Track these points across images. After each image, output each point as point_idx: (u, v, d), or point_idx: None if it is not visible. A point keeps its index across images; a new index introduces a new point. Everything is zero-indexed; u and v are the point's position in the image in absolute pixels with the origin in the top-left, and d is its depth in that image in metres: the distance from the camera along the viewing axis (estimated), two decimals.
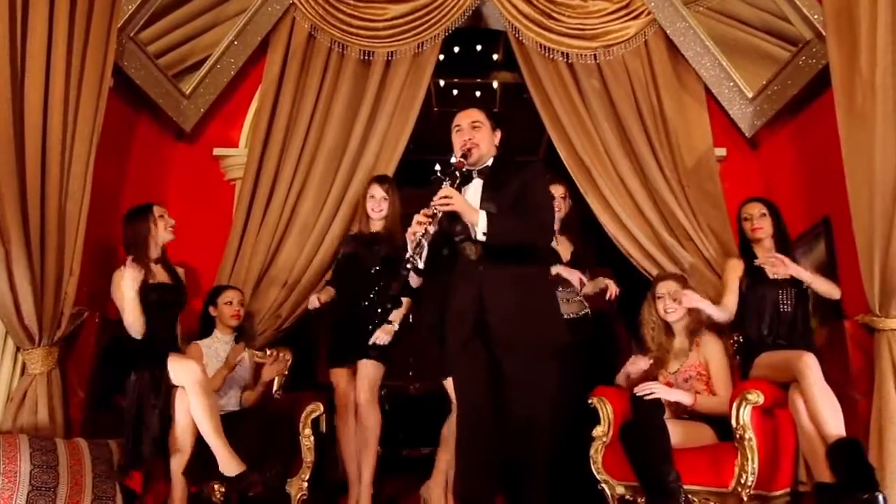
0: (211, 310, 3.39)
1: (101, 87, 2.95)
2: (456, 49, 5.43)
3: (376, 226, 3.47)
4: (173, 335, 3.16)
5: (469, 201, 2.51)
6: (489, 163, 2.64)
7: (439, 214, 2.38)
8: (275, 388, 3.50)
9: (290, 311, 3.68)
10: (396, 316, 3.36)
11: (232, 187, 4.01)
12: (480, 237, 2.41)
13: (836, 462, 2.49)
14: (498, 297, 2.48)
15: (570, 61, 3.87)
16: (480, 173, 2.62)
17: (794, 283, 3.06)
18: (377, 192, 3.44)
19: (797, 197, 3.62)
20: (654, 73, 3.86)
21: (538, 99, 3.92)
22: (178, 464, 2.77)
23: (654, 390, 2.91)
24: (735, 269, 3.21)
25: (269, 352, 3.51)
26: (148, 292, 2.97)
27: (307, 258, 3.70)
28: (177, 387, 2.79)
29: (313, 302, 3.44)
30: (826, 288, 3.03)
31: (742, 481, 2.62)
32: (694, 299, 3.01)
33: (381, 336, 3.29)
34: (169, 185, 3.95)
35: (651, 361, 3.13)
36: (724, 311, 3.12)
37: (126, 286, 2.90)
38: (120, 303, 2.95)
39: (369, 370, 3.30)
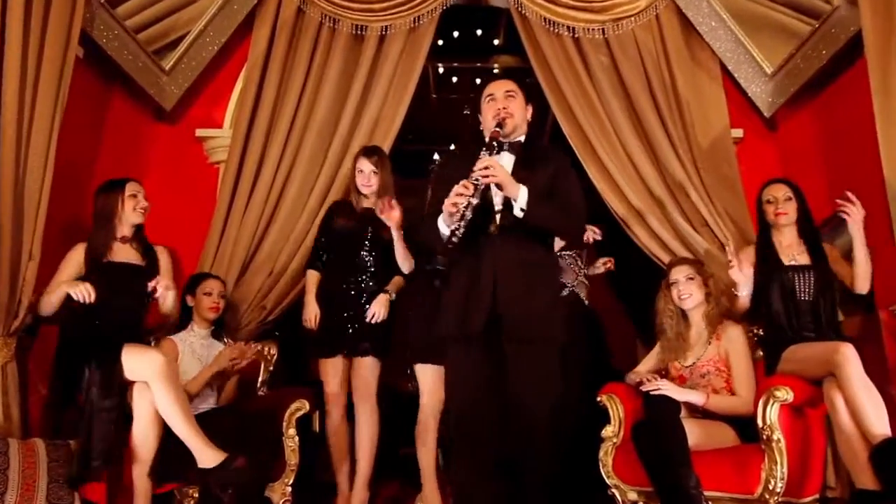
0: (188, 299, 3.13)
1: (67, 54, 2.70)
2: (455, 33, 5.18)
3: (367, 201, 3.21)
4: (135, 325, 2.85)
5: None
6: (521, 139, 2.45)
7: (481, 186, 2.20)
8: (259, 384, 3.25)
9: (275, 302, 3.43)
10: (393, 287, 3.11)
11: (215, 170, 3.77)
12: (518, 213, 2.25)
13: (883, 465, 2.23)
14: (509, 281, 2.29)
15: (576, 36, 3.61)
16: (512, 147, 2.42)
17: (814, 268, 2.81)
18: (365, 165, 3.17)
19: (820, 179, 3.37)
20: (667, 49, 3.60)
21: (542, 77, 3.66)
22: (140, 471, 2.51)
23: (661, 388, 2.67)
24: (748, 257, 2.96)
25: (226, 341, 3.18)
26: (101, 271, 2.71)
27: (295, 245, 3.45)
28: (133, 383, 2.53)
29: (309, 318, 3.17)
30: (865, 271, 2.77)
31: (770, 487, 2.36)
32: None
33: (378, 310, 3.03)
34: (149, 167, 3.70)
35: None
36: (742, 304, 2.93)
37: (64, 262, 2.69)
38: None
39: (366, 369, 3.07)
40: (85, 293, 2.59)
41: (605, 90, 3.56)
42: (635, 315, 4.72)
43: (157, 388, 2.51)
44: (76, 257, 2.74)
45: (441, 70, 5.84)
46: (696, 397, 2.70)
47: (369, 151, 3.22)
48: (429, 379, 3.05)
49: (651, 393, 2.66)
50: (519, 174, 2.31)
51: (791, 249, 2.88)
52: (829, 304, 2.80)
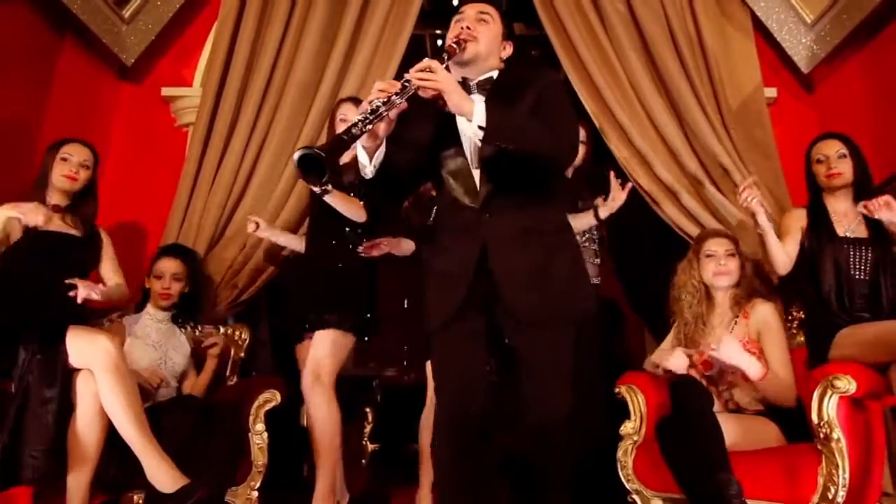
0: (146, 281, 2.74)
1: None
2: (455, 0, 4.79)
3: (348, 153, 2.79)
4: (71, 303, 2.39)
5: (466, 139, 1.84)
6: (493, 75, 1.93)
7: (413, 89, 1.64)
8: (227, 373, 2.86)
9: (248, 281, 3.04)
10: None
11: (184, 134, 3.40)
12: (476, 133, 1.69)
13: None
14: (510, 258, 1.81)
15: None
16: (481, 87, 1.89)
17: (873, 242, 2.40)
18: (350, 113, 2.72)
19: (867, 142, 2.91)
20: None
21: (552, 32, 3.25)
22: (78, 478, 2.09)
23: (712, 351, 2.27)
24: (799, 219, 2.56)
25: (193, 326, 2.81)
26: (34, 239, 2.31)
27: (270, 216, 3.03)
28: (78, 370, 2.13)
29: (250, 226, 2.78)
30: None
31: (829, 496, 1.94)
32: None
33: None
34: (111, 130, 3.35)
35: (691, 356, 2.44)
36: (781, 257, 2.52)
37: None
38: None
39: (323, 343, 2.57)
40: None
41: (623, 43, 3.15)
42: (640, 303, 4.32)
43: (104, 381, 2.11)
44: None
45: (440, 41, 5.47)
46: (754, 367, 2.25)
47: (356, 99, 2.81)
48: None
49: (711, 354, 2.26)
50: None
51: (847, 219, 2.48)
52: (890, 283, 2.38)
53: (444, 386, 1.88)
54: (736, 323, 2.47)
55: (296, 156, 1.50)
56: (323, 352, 2.54)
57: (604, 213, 2.77)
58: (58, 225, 2.46)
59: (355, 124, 1.55)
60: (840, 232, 2.46)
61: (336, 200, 2.57)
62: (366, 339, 2.72)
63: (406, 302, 4.76)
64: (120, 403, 2.12)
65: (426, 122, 1.87)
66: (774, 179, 3.05)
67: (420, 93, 1.66)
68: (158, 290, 2.66)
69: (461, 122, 1.75)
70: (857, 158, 2.48)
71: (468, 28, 1.86)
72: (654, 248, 3.57)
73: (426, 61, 1.66)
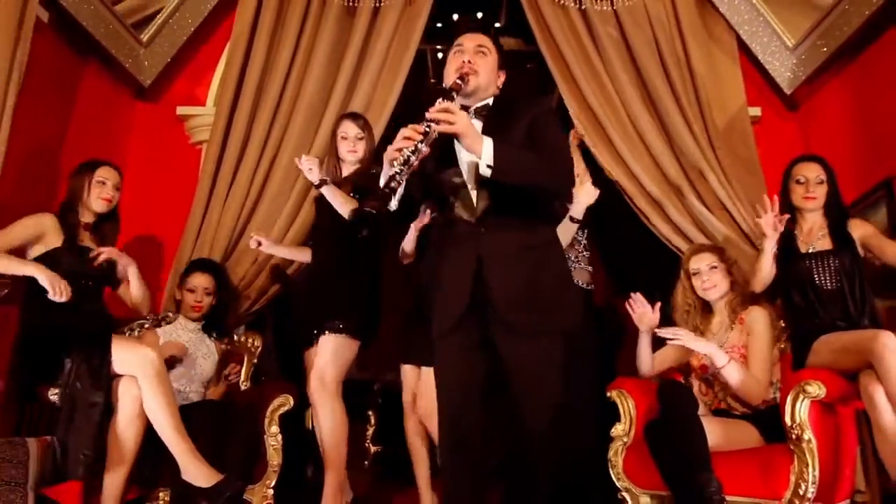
0: (177, 292, 2.93)
1: (24, 13, 2.46)
2: (455, 16, 4.95)
3: (348, 169, 2.94)
4: (106, 315, 2.62)
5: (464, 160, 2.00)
6: (489, 101, 2.11)
7: (434, 133, 1.82)
8: (241, 378, 3.02)
9: (260, 292, 3.21)
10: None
11: (198, 151, 3.56)
12: (485, 170, 1.87)
13: None
14: (502, 271, 1.96)
15: (583, 7, 3.39)
16: (478, 113, 2.07)
17: (836, 252, 2.57)
18: (350, 129, 2.90)
19: (846, 159, 3.12)
20: (680, 21, 3.37)
21: (547, 53, 3.42)
22: (115, 474, 2.28)
23: (679, 337, 2.45)
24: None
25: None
26: (75, 254, 2.50)
27: (281, 230, 3.21)
28: (120, 376, 2.31)
29: (252, 244, 2.96)
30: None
31: (800, 492, 2.12)
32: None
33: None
34: (127, 147, 3.51)
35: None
36: (767, 279, 2.71)
37: (20, 220, 2.48)
38: None
39: (327, 349, 2.67)
40: (62, 292, 2.39)
41: (615, 65, 3.33)
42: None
43: (148, 387, 2.32)
44: (32, 223, 2.51)
45: (440, 55, 5.63)
46: (718, 356, 2.44)
47: (355, 115, 2.97)
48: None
49: (669, 342, 2.45)
50: None
51: (811, 235, 2.65)
52: (857, 289, 2.54)
53: (443, 396, 2.02)
54: (732, 328, 2.63)
55: (352, 217, 1.67)
56: (327, 357, 2.66)
57: (576, 212, 2.87)
58: (88, 241, 2.64)
59: (393, 177, 1.74)
60: (803, 249, 2.62)
61: (331, 193, 2.72)
62: (369, 343, 2.83)
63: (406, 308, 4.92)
64: (161, 407, 2.32)
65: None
66: (758, 195, 3.20)
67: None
68: (191, 304, 2.85)
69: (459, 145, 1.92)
70: (832, 183, 2.65)
71: (469, 62, 2.03)
72: (646, 257, 3.72)
73: (444, 104, 1.82)
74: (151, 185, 3.48)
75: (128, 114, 3.52)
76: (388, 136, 3.29)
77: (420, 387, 2.84)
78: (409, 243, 2.96)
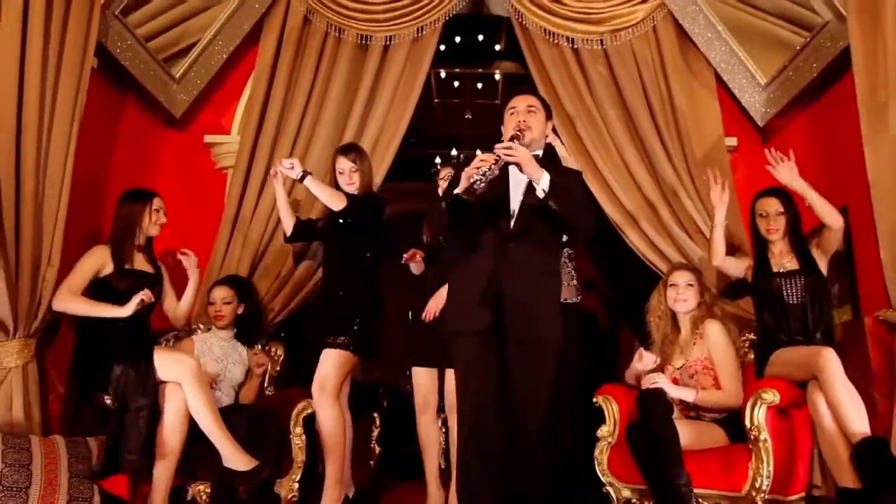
0: (208, 307, 3.27)
1: (83, 65, 2.81)
2: (457, 39, 5.26)
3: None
4: (148, 328, 3.01)
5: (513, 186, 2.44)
6: (538, 153, 2.51)
7: (502, 161, 2.23)
8: (266, 384, 3.36)
9: (283, 304, 3.54)
10: None
11: (223, 176, 3.88)
12: (540, 193, 2.29)
13: (862, 463, 2.34)
14: (517, 281, 2.34)
15: (575, 47, 3.72)
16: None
17: (803, 273, 2.91)
18: (344, 164, 3.17)
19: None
20: (663, 60, 3.71)
21: (542, 86, 3.76)
22: (164, 467, 2.64)
23: (658, 382, 2.80)
24: (745, 260, 3.12)
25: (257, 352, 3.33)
26: (129, 276, 2.83)
27: (302, 249, 3.56)
28: (165, 383, 2.65)
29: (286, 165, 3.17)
30: (826, 209, 2.87)
31: (756, 485, 2.48)
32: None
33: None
34: (158, 173, 3.81)
35: (657, 360, 2.99)
36: (720, 250, 3.11)
37: (85, 259, 2.82)
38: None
39: (328, 361, 2.93)
40: (146, 295, 2.79)
41: (603, 100, 3.67)
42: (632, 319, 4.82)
43: (191, 390, 2.67)
44: (95, 259, 2.86)
45: (443, 75, 5.96)
46: (686, 394, 2.83)
47: (346, 149, 3.23)
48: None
49: (645, 388, 2.79)
50: (533, 187, 2.36)
51: (782, 257, 2.99)
52: (818, 307, 2.88)
53: (463, 390, 2.41)
54: (695, 344, 2.98)
55: (451, 200, 2.32)
56: (327, 368, 2.93)
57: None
58: (139, 263, 2.99)
59: (475, 182, 2.22)
60: (774, 268, 2.96)
61: (315, 185, 3.04)
62: (369, 357, 3.12)
63: (410, 316, 5.20)
64: (203, 406, 2.68)
65: None
66: (733, 219, 3.53)
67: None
68: (213, 314, 3.19)
69: (514, 170, 2.37)
70: (791, 213, 2.99)
71: (524, 121, 2.47)
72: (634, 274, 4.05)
73: (509, 143, 2.30)
74: (181, 207, 3.78)
75: (160, 142, 3.83)
76: (399, 158, 3.68)
77: (447, 384, 3.13)
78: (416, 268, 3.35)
